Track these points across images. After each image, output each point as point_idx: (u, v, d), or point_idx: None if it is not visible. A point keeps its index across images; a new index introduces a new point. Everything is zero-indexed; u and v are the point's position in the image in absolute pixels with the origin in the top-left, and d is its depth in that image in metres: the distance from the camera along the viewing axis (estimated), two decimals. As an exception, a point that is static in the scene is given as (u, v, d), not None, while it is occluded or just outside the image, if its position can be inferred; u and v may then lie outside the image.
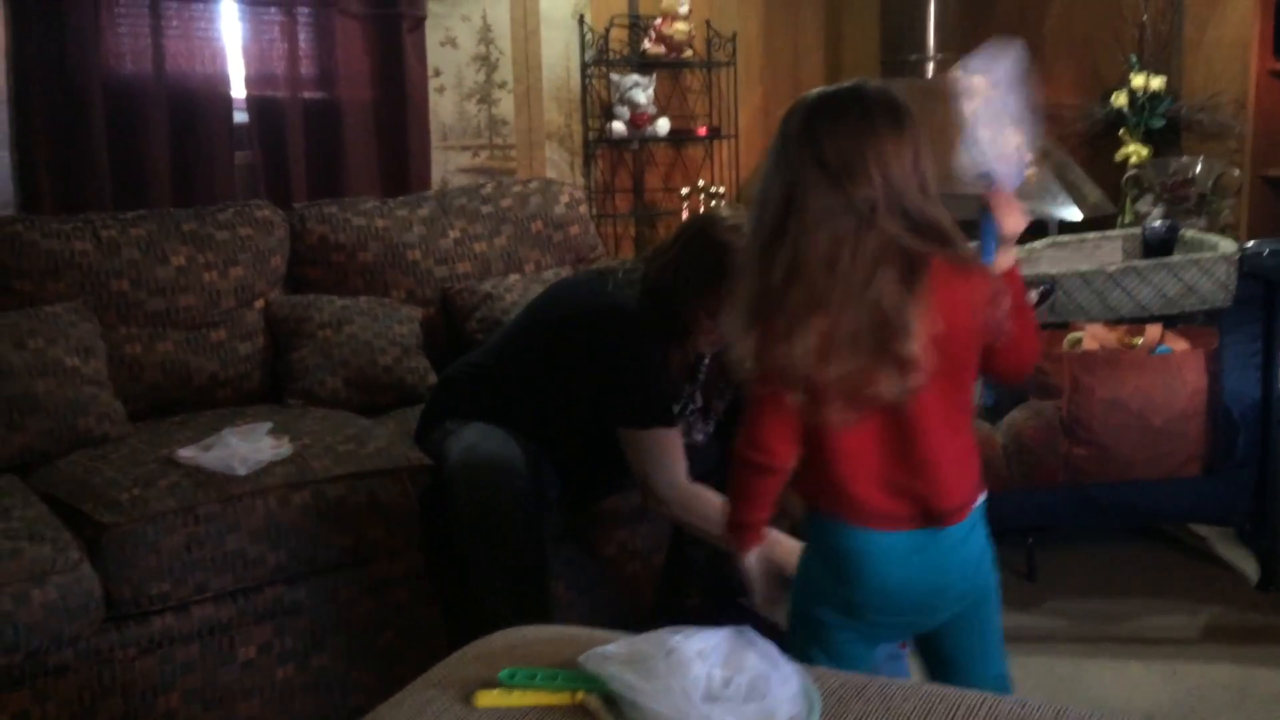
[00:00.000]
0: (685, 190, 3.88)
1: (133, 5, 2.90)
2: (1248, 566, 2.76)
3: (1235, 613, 2.58)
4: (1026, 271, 1.87)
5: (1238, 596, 2.65)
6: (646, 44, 3.85)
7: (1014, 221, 1.47)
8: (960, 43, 4.10)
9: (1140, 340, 2.79)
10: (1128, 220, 3.70)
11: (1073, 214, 3.64)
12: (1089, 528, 2.98)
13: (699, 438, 2.20)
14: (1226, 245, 2.62)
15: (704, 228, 2.02)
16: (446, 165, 3.55)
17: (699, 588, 2.32)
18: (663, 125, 3.83)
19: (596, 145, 3.87)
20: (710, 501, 1.98)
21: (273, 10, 3.11)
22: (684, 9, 3.85)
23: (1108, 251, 3.06)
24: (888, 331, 1.32)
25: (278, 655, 2.09)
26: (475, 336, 2.85)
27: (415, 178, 3.36)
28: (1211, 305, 2.53)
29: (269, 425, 2.22)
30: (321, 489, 2.11)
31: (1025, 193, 3.85)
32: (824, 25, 4.50)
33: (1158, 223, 3.18)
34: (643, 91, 3.80)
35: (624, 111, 3.79)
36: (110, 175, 2.85)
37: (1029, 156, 1.56)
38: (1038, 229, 3.34)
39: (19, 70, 2.76)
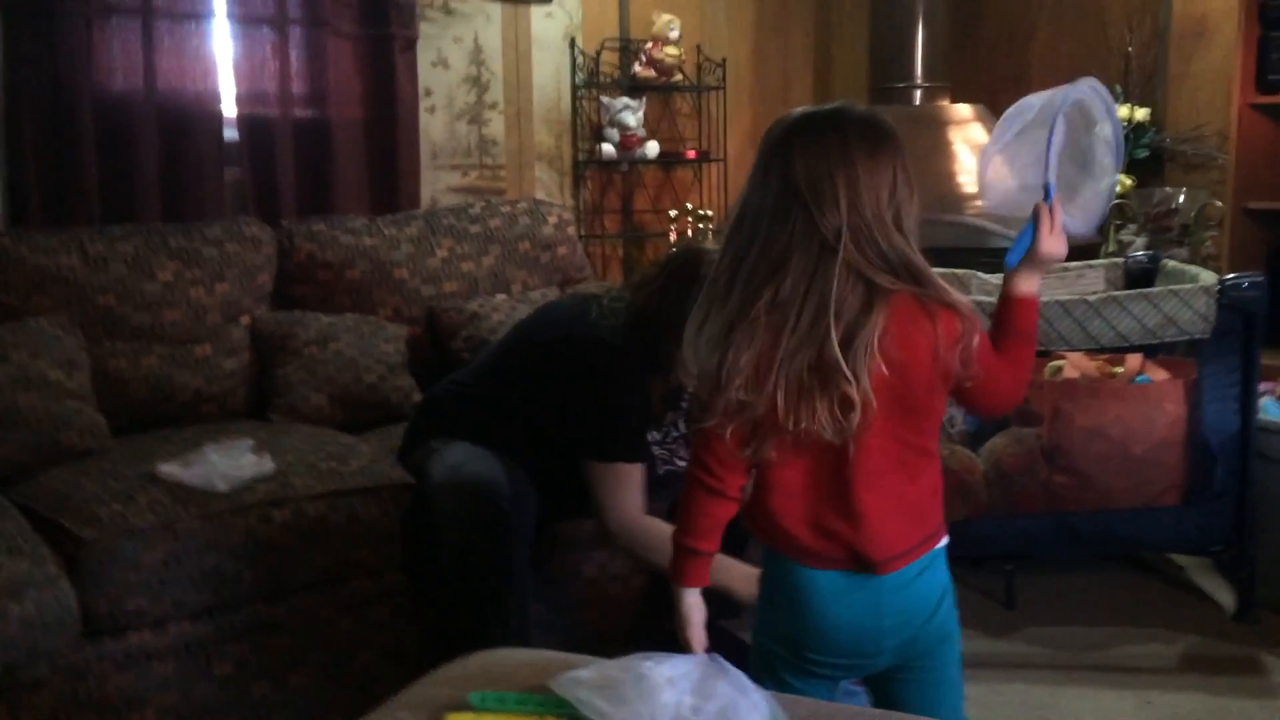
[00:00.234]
0: (674, 212, 3.90)
1: (125, 23, 2.90)
2: (1225, 597, 2.78)
3: (1211, 642, 2.59)
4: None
5: (1214, 626, 2.66)
6: (637, 67, 3.88)
7: (1052, 244, 1.42)
8: (947, 72, 4.15)
9: (1121, 370, 2.82)
10: (1111, 250, 3.73)
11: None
12: (1068, 555, 3.00)
13: (681, 463, 2.21)
14: (1207, 277, 2.65)
15: (689, 261, 2.03)
16: (436, 184, 3.56)
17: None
18: (652, 148, 3.86)
19: (586, 167, 3.90)
20: (660, 534, 1.98)
21: (265, 29, 3.13)
22: (674, 34, 3.89)
23: (1090, 281, 3.09)
24: (833, 368, 1.27)
25: (255, 673, 2.09)
26: (461, 355, 2.86)
27: (405, 197, 3.37)
28: (1191, 336, 2.55)
29: (251, 442, 2.23)
30: (302, 507, 2.12)
31: (1008, 221, 3.85)
32: (813, 51, 4.54)
33: (1140, 253, 3.22)
34: (633, 114, 3.82)
35: (614, 134, 3.81)
36: (99, 191, 2.85)
37: (1099, 209, 1.54)
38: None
39: (10, 85, 2.76)
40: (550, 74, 3.81)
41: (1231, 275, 2.61)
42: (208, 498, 2.05)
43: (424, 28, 3.44)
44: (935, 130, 3.93)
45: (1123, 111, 3.91)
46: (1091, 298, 2.53)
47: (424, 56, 3.47)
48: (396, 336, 2.84)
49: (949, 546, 1.46)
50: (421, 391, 2.69)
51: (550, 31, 3.80)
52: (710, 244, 2.09)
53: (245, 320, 2.73)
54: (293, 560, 2.09)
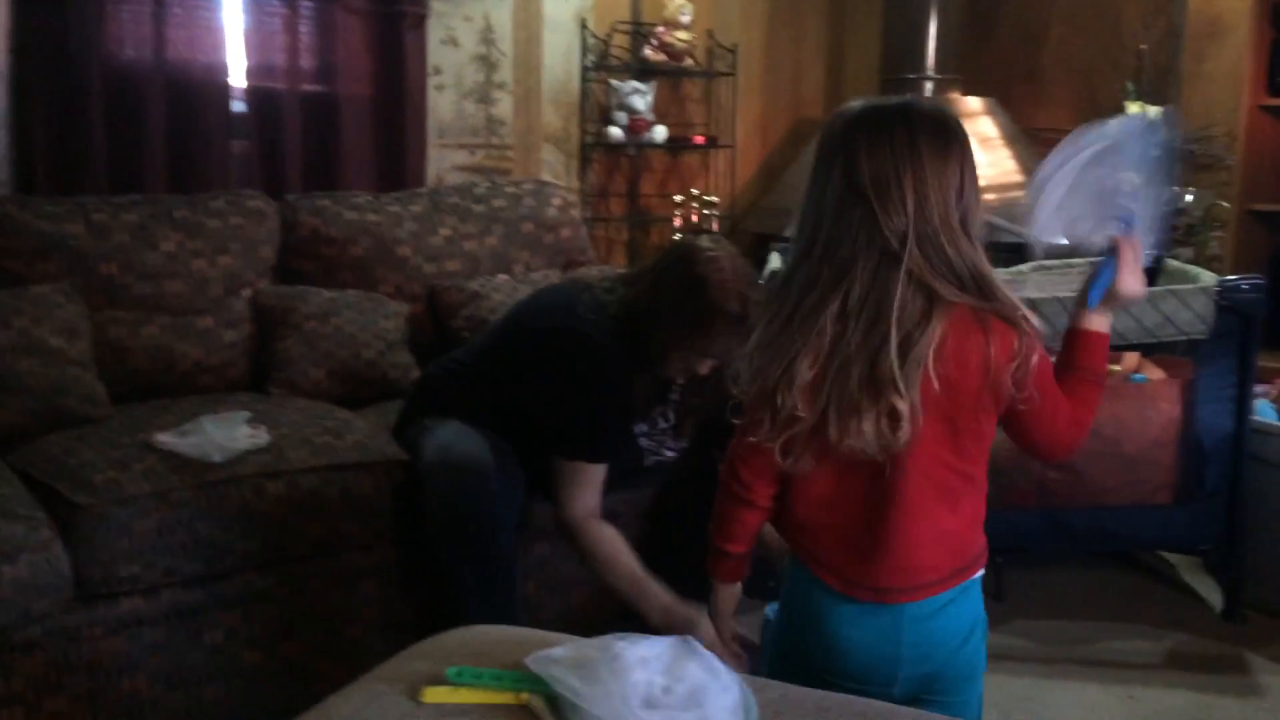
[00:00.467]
0: (679, 198, 3.91)
1: (137, -9, 2.92)
2: (1213, 595, 2.78)
3: (1198, 641, 2.60)
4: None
5: (1201, 624, 2.67)
6: (648, 51, 3.88)
7: (1134, 282, 1.34)
8: (959, 64, 4.13)
9: (1117, 367, 2.82)
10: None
11: (1062, 239, 3.66)
12: (1060, 550, 3.01)
13: (668, 453, 2.22)
14: (1206, 278, 2.65)
15: (682, 257, 2.01)
16: (442, 163, 3.57)
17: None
18: (660, 132, 3.86)
19: (593, 149, 3.90)
20: (611, 550, 2.02)
21: (275, 3, 3.14)
22: (686, 18, 3.88)
23: (1093, 278, 3.08)
24: (886, 380, 1.20)
25: (245, 641, 2.11)
26: (460, 334, 2.87)
27: (410, 174, 3.39)
28: (1189, 336, 2.55)
29: (247, 414, 2.25)
30: (296, 479, 2.14)
31: (1012, 216, 3.85)
32: (826, 41, 4.53)
33: (1144, 251, 3.21)
34: (642, 98, 3.82)
35: (622, 117, 3.81)
36: (106, 159, 2.87)
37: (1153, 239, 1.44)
38: (1023, 253, 3.36)
39: (20, 52, 2.78)
40: (560, 55, 3.81)
41: (1231, 277, 2.61)
42: (202, 468, 2.07)
43: (435, 5, 3.45)
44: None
45: (1134, 109, 3.90)
46: (1091, 295, 2.53)
47: (434, 34, 3.47)
48: (397, 313, 2.85)
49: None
50: (420, 369, 2.70)
51: (562, 13, 3.79)
52: (704, 240, 2.04)
53: (247, 293, 2.74)
54: (285, 532, 2.11)
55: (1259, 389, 2.81)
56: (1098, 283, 1.36)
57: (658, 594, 1.98)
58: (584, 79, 3.85)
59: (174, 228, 2.65)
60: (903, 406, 1.20)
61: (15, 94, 2.78)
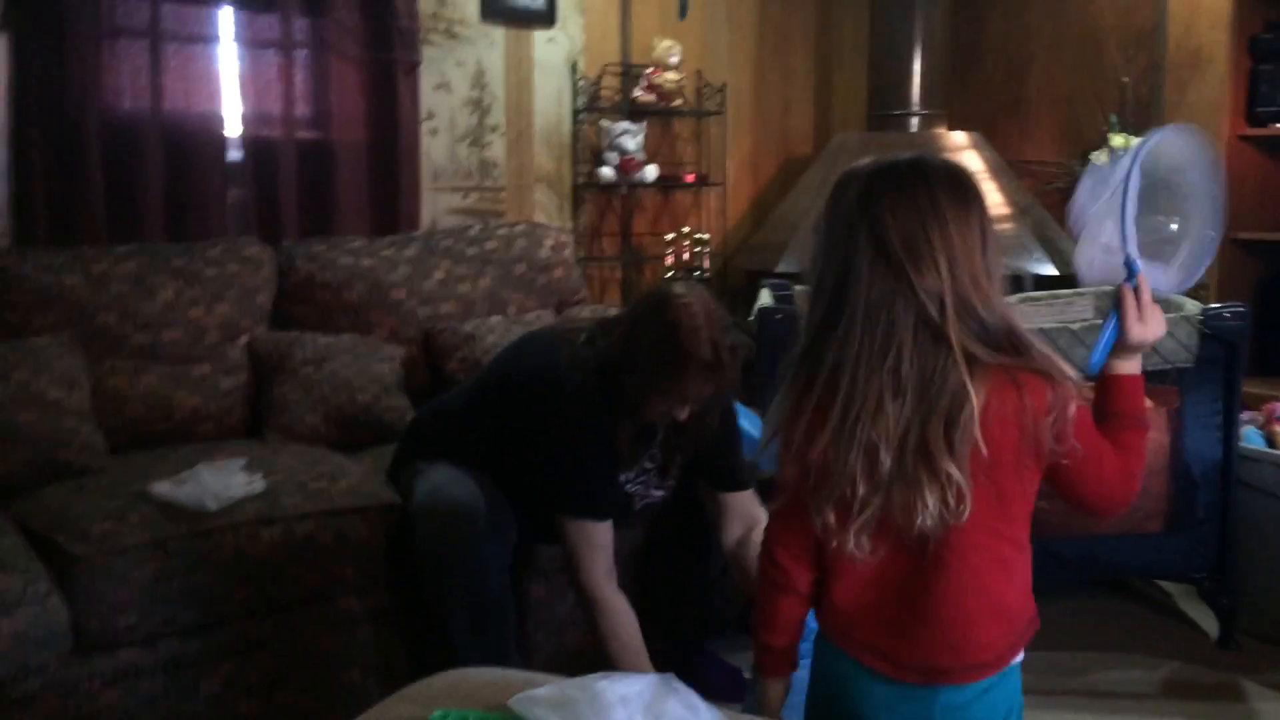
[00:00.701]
0: (671, 236, 3.95)
1: (133, 43, 2.96)
2: (1209, 623, 2.79)
3: (1193, 669, 2.61)
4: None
5: (1197, 653, 2.68)
6: (638, 92, 3.94)
7: (1142, 330, 1.29)
8: (945, 99, 4.19)
9: (1106, 397, 2.84)
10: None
11: (1049, 270, 3.70)
12: (1053, 581, 3.00)
13: (656, 494, 2.23)
14: (1191, 306, 2.68)
15: (655, 305, 2.01)
16: (436, 206, 3.62)
17: (663, 633, 2.36)
18: (650, 172, 3.90)
19: (586, 189, 3.95)
20: (621, 622, 2.03)
21: (271, 52, 3.19)
22: (675, 59, 3.94)
23: (1080, 308, 3.11)
24: (940, 452, 1.16)
25: (242, 690, 2.12)
26: (456, 376, 2.91)
27: (405, 218, 3.43)
28: (1174, 364, 2.58)
29: (243, 461, 2.27)
30: (291, 525, 2.16)
31: (1003, 249, 3.90)
32: (813, 78, 4.59)
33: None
34: (632, 138, 3.87)
35: (613, 157, 3.86)
36: (105, 209, 2.91)
37: (1202, 267, 1.40)
38: (1013, 284, 3.40)
39: (19, 103, 2.83)
40: (551, 98, 3.87)
41: (1214, 305, 2.64)
42: (198, 516, 2.09)
43: (427, 51, 3.51)
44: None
45: (1118, 140, 3.95)
46: (1075, 326, 2.56)
47: (427, 79, 3.53)
48: (392, 357, 2.89)
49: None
50: (416, 412, 2.73)
51: (552, 56, 3.86)
52: (679, 286, 2.05)
53: (243, 340, 2.78)
54: (281, 578, 2.13)
55: (1246, 416, 2.84)
56: (1100, 345, 1.32)
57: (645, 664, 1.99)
58: (575, 120, 3.91)
59: (171, 276, 2.69)
60: (960, 477, 1.17)
61: (15, 146, 2.83)
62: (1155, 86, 3.97)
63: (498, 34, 3.72)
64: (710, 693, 1.35)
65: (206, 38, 3.07)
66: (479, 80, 3.71)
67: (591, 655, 2.44)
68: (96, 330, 2.56)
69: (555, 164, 3.91)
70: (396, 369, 2.87)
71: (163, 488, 2.15)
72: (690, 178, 4.12)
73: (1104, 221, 1.35)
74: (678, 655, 2.34)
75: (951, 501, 1.18)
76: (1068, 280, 3.59)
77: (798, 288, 2.82)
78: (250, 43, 3.16)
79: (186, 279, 2.70)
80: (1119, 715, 2.40)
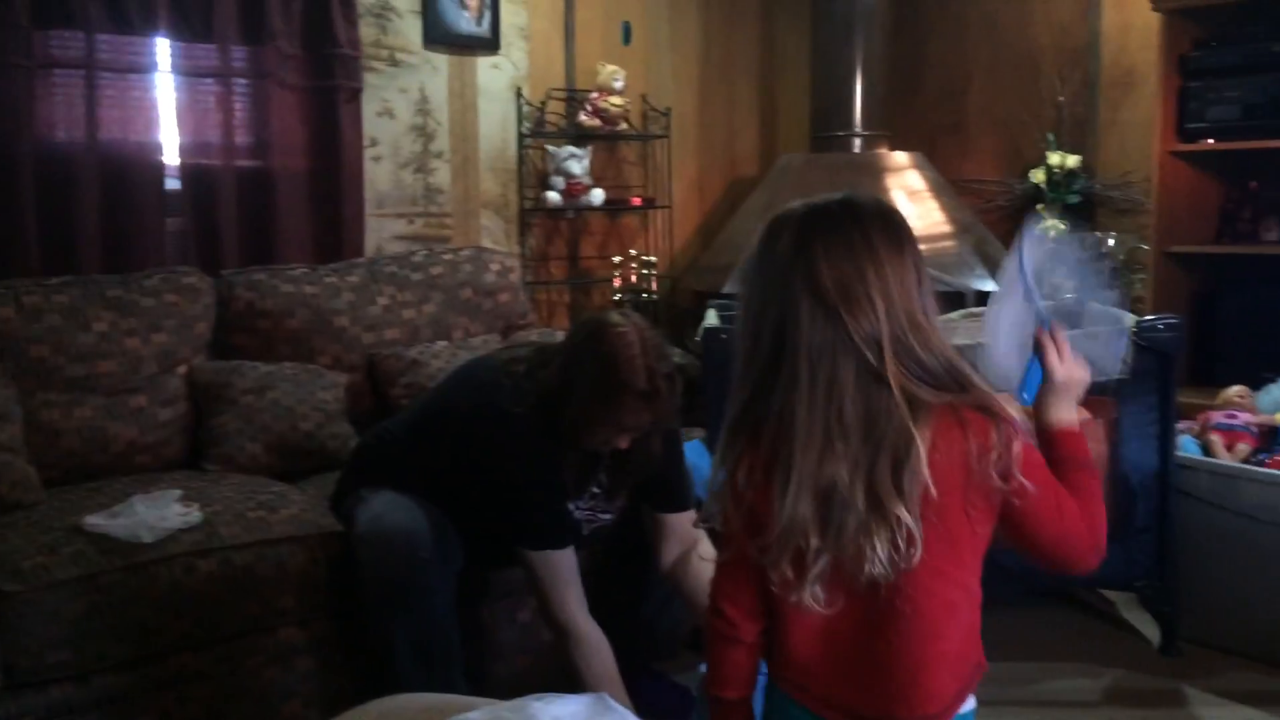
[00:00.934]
0: (619, 258, 3.96)
1: (68, 74, 2.94)
2: (1151, 631, 2.83)
3: (1136, 676, 2.64)
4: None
5: (1139, 660, 2.71)
6: (583, 117, 3.96)
7: (1068, 369, 1.30)
8: (886, 120, 4.25)
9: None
10: (1044, 292, 3.81)
11: (990, 286, 3.76)
12: (997, 593, 3.02)
13: (605, 517, 2.23)
14: (1126, 319, 2.72)
15: (591, 335, 2.00)
16: (381, 233, 3.60)
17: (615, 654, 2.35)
18: (597, 195, 3.92)
19: (533, 214, 3.95)
20: (595, 651, 2.02)
21: (209, 81, 3.17)
22: (619, 84, 3.97)
23: (1020, 323, 3.16)
24: (885, 493, 1.16)
25: (179, 724, 2.08)
26: (400, 402, 2.89)
27: (349, 245, 3.41)
28: (1110, 377, 2.62)
29: (178, 493, 2.24)
30: (229, 556, 2.13)
31: (942, 265, 3.93)
32: (757, 101, 4.64)
33: (1069, 296, 3.30)
34: (578, 162, 3.89)
35: (559, 181, 3.87)
36: (39, 241, 2.87)
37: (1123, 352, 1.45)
38: (955, 300, 3.44)
39: (-49, 137, 2.79)
40: (496, 123, 3.88)
41: (1149, 317, 2.69)
42: (132, 549, 2.06)
43: (370, 78, 3.50)
44: (873, 176, 4.02)
45: (1055, 158, 4.03)
46: (1013, 341, 2.60)
47: (370, 106, 3.52)
48: (335, 384, 2.86)
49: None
50: (359, 439, 2.70)
51: (496, 82, 3.87)
52: (614, 316, 2.03)
53: (182, 370, 2.74)
54: (219, 610, 2.10)
55: (1182, 425, 2.89)
56: (1028, 382, 1.33)
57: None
58: (520, 145, 3.92)
59: (106, 307, 2.65)
60: (910, 520, 1.16)
61: (-54, 179, 2.79)
62: (1090, 106, 4.06)
63: (441, 60, 3.73)
64: (658, 713, 1.32)
65: (143, 68, 3.05)
66: (423, 106, 3.71)
67: (543, 682, 2.42)
68: (29, 363, 2.51)
69: (501, 189, 3.92)
70: (340, 396, 2.85)
71: (96, 520, 2.11)
72: (637, 201, 4.14)
73: (1005, 300, 1.38)
74: (626, 676, 2.32)
75: (902, 545, 1.17)
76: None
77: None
78: (188, 72, 3.14)
79: (121, 309, 2.67)
80: (1065, 725, 2.43)
